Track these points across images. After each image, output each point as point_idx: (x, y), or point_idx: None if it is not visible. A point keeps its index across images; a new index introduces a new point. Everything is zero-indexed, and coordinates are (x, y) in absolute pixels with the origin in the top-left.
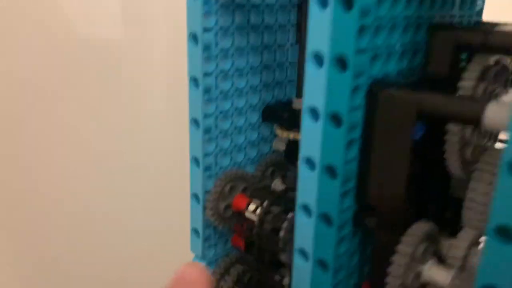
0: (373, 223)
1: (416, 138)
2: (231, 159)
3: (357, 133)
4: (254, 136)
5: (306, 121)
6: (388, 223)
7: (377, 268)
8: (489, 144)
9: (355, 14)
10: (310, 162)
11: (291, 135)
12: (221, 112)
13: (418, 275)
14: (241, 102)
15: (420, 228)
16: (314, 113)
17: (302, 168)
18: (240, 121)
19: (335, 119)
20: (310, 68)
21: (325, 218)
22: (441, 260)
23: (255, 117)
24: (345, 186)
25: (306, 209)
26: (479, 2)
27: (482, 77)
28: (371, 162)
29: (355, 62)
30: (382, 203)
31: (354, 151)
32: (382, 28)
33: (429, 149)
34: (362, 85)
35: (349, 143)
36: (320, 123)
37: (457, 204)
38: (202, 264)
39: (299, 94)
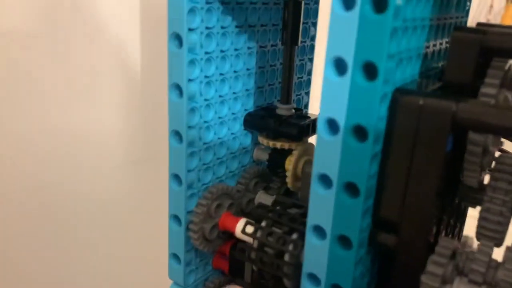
0: (392, 242)
1: (448, 149)
2: (213, 174)
3: (379, 146)
4: (235, 146)
5: (322, 134)
6: (412, 241)
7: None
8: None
9: (388, 16)
10: (325, 180)
11: (277, 144)
12: (205, 122)
13: None
14: (223, 110)
15: (446, 246)
16: (333, 125)
17: (315, 186)
18: (223, 131)
19: (359, 132)
20: (329, 76)
21: (342, 240)
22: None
23: (236, 126)
24: (366, 204)
25: (319, 230)
26: (468, 3)
27: (502, 83)
28: (395, 177)
29: (385, 69)
30: (406, 220)
31: (376, 166)
32: (406, 31)
33: (451, 159)
34: (388, 94)
35: (373, 158)
36: (340, 136)
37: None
38: None
39: (285, 100)
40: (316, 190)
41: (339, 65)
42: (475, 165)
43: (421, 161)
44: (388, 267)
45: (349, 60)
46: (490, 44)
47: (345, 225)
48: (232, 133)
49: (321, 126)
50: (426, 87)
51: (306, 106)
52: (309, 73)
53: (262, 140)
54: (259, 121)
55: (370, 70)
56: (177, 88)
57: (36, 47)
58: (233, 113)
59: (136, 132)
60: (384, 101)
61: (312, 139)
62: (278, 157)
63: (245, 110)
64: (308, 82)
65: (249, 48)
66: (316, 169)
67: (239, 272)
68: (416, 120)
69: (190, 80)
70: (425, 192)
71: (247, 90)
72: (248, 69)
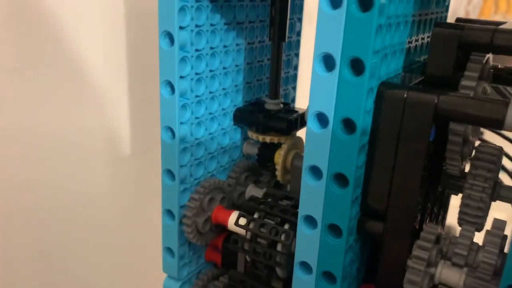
0: (379, 229)
1: (429, 140)
2: (204, 169)
3: (366, 138)
4: (225, 141)
5: (312, 127)
6: (398, 228)
7: (386, 273)
8: (476, 141)
9: (374, 14)
10: (316, 171)
11: (267, 138)
12: (196, 118)
13: (432, 277)
14: (214, 106)
15: (431, 232)
16: (322, 119)
17: (306, 178)
18: (213, 127)
19: (347, 124)
20: (318, 71)
21: (332, 229)
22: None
23: (226, 121)
24: (354, 193)
25: (311, 220)
26: None
27: (481, 76)
28: (381, 167)
29: (371, 64)
30: (392, 208)
31: (363, 157)
32: (390, 27)
33: (433, 149)
34: (373, 88)
35: (360, 149)
36: (329, 129)
37: (444, 199)
38: None
39: (273, 95)
40: (307, 182)
41: (327, 61)
42: (456, 154)
43: (406, 151)
44: (376, 254)
45: (337, 56)
46: (468, 39)
47: (335, 214)
48: (223, 129)
49: (311, 120)
50: (409, 80)
51: (293, 100)
52: (296, 68)
53: (252, 134)
54: (249, 116)
55: (356, 66)
56: (169, 85)
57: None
58: (223, 109)
59: (127, 128)
60: (370, 95)
61: (300, 133)
62: (267, 151)
63: (235, 105)
64: (295, 77)
65: (237, 44)
66: (307, 161)
67: (231, 264)
68: (401, 112)
69: (181, 77)
70: (410, 181)
71: (236, 86)
72: (237, 65)
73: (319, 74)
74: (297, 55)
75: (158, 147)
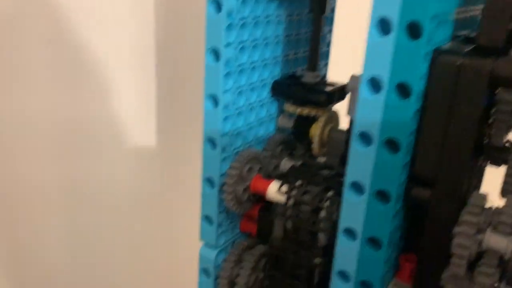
0: (426, 196)
1: (483, 106)
2: (243, 139)
3: (419, 104)
4: (262, 113)
5: (364, 92)
6: (446, 195)
7: (431, 239)
8: None
9: None
10: (366, 137)
11: (304, 111)
12: (238, 87)
13: (480, 244)
14: (254, 77)
15: (480, 198)
16: (375, 84)
17: (355, 144)
18: (253, 97)
19: (402, 89)
20: (374, 36)
21: (381, 195)
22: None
23: (264, 93)
24: (405, 159)
25: (358, 186)
26: None
27: None
28: (433, 133)
29: (429, 28)
30: (441, 175)
31: (415, 123)
32: None
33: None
34: (429, 53)
35: (414, 114)
36: (383, 94)
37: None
38: None
39: (311, 67)
40: (356, 148)
41: (383, 25)
42: (504, 124)
43: (459, 117)
44: (416, 223)
45: (394, 20)
46: None
47: (385, 180)
48: (260, 100)
49: (364, 84)
50: (460, 49)
51: (324, 77)
52: (328, 44)
53: (289, 107)
54: (287, 88)
55: (414, 30)
56: (214, 53)
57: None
58: (262, 80)
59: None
60: (426, 60)
61: (336, 107)
62: (303, 124)
63: (272, 77)
64: (327, 54)
65: (277, 16)
66: (357, 127)
67: (266, 233)
68: (455, 78)
69: (227, 44)
70: (462, 147)
71: (275, 58)
72: (276, 37)
73: (375, 39)
74: (330, 31)
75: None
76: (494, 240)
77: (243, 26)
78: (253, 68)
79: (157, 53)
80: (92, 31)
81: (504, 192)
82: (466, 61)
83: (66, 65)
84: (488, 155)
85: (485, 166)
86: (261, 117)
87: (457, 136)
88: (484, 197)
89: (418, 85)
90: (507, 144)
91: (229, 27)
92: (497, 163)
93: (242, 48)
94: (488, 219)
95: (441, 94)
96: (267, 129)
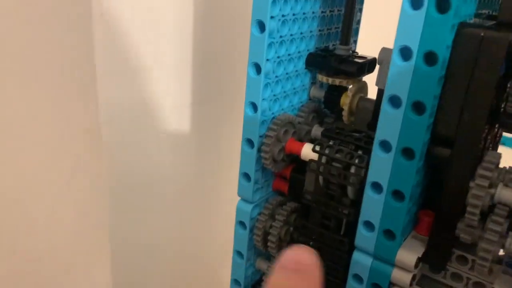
0: (446, 154)
1: (500, 74)
2: (279, 105)
3: (444, 71)
4: (298, 82)
5: (396, 61)
6: (465, 152)
7: (450, 193)
8: None
9: None
10: (396, 100)
11: (336, 81)
12: (278, 57)
13: (492, 197)
14: (292, 48)
15: (493, 156)
16: (407, 52)
17: (386, 107)
18: (290, 67)
19: (429, 58)
20: (406, 9)
21: (405, 152)
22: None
23: (300, 64)
24: (429, 120)
25: (386, 145)
26: None
27: None
28: (454, 97)
29: (456, 3)
30: (461, 135)
31: (440, 88)
32: None
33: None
34: (455, 26)
35: (439, 80)
36: (412, 62)
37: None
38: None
39: (344, 41)
40: (386, 110)
41: (416, 1)
42: None
43: (479, 82)
44: (435, 182)
45: None
46: None
47: (410, 139)
48: (296, 70)
49: (395, 53)
50: (482, 24)
51: (355, 51)
52: (358, 22)
53: (322, 77)
54: (321, 59)
55: (443, 4)
56: (260, 25)
57: None
58: (299, 52)
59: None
60: (452, 32)
61: (367, 78)
62: (334, 94)
63: (308, 50)
64: (357, 31)
65: None
66: (388, 91)
67: (297, 192)
68: (477, 48)
69: (272, 17)
70: (479, 109)
71: (311, 31)
72: (313, 13)
73: (407, 12)
74: (360, 10)
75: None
76: (505, 194)
77: (285, 1)
78: (292, 40)
79: (194, 35)
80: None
81: None
82: (487, 33)
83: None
84: (503, 122)
85: (501, 134)
86: (296, 87)
87: (476, 100)
88: (498, 156)
89: (444, 54)
90: None
91: (274, 1)
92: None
93: (284, 22)
94: (501, 176)
95: (464, 62)
96: (300, 98)
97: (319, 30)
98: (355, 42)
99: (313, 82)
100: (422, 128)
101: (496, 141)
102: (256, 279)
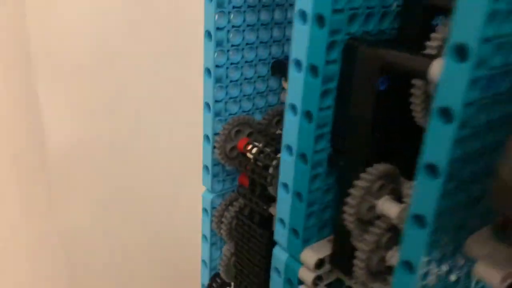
0: (343, 163)
1: (381, 89)
2: (240, 107)
3: (333, 84)
4: (263, 87)
5: (292, 71)
6: (354, 164)
7: (340, 201)
8: None
9: None
10: (293, 108)
11: None
12: (232, 64)
13: (373, 207)
14: (251, 56)
15: (378, 168)
16: (298, 65)
17: (287, 113)
18: (250, 73)
19: (313, 70)
20: (296, 24)
21: (302, 157)
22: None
23: (264, 70)
24: (319, 130)
25: (289, 148)
26: None
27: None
28: (343, 110)
29: (331, 20)
30: (351, 146)
31: (329, 100)
32: None
33: (398, 100)
34: (339, 41)
35: (324, 92)
36: (302, 74)
37: None
38: None
39: None
40: (288, 116)
41: (303, 16)
42: (418, 106)
43: (361, 97)
44: None
45: (309, 13)
46: (434, 3)
47: (304, 145)
48: (259, 76)
49: (291, 65)
50: (384, 39)
51: None
52: None
53: (285, 84)
54: (284, 66)
55: (321, 21)
56: (208, 35)
57: None
58: (260, 59)
59: None
60: (334, 47)
61: None
62: None
63: (273, 58)
64: None
65: (277, 5)
66: (289, 100)
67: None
68: (357, 63)
69: (218, 28)
70: (363, 123)
71: (274, 40)
72: (270, 22)
73: (297, 27)
74: None
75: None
76: (385, 207)
77: (237, 12)
78: (251, 48)
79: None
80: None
81: None
82: (362, 48)
83: None
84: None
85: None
86: (262, 91)
87: (356, 114)
88: (384, 167)
89: (325, 67)
90: None
91: (221, 14)
92: None
93: (236, 31)
94: (397, 189)
95: (345, 76)
96: (268, 102)
97: (287, 39)
98: None
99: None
100: (310, 136)
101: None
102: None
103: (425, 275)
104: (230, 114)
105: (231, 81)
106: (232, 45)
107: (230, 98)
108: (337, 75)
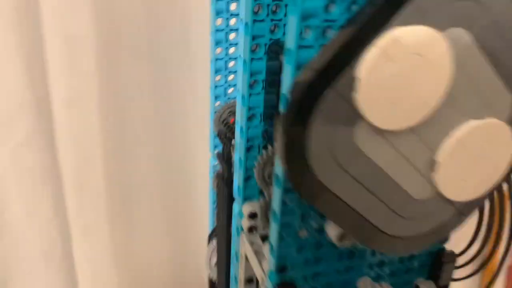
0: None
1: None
2: None
3: (261, 76)
4: None
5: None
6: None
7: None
8: None
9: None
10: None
11: None
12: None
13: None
14: None
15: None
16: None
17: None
18: None
19: (245, 64)
20: (240, 30)
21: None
22: None
23: None
24: (252, 110)
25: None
26: None
27: None
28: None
29: (252, 28)
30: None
31: (258, 88)
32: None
33: None
34: (261, 44)
35: (253, 82)
36: (241, 68)
37: None
38: None
39: None
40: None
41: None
42: None
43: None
44: None
45: (243, 22)
46: None
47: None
48: None
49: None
50: None
51: None
52: None
53: None
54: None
55: (247, 29)
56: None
57: None
58: None
59: None
60: (259, 47)
61: None
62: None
63: None
64: None
65: None
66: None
67: None
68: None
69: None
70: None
71: None
72: None
73: (241, 31)
74: None
75: None
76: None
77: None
78: None
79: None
80: None
81: None
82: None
83: None
84: None
85: None
86: None
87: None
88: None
89: (250, 64)
90: None
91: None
92: None
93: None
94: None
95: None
96: None
97: None
98: None
99: None
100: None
101: None
102: None
103: None
104: (229, 99)
105: (229, 72)
106: (230, 44)
107: (229, 85)
108: (264, 69)
